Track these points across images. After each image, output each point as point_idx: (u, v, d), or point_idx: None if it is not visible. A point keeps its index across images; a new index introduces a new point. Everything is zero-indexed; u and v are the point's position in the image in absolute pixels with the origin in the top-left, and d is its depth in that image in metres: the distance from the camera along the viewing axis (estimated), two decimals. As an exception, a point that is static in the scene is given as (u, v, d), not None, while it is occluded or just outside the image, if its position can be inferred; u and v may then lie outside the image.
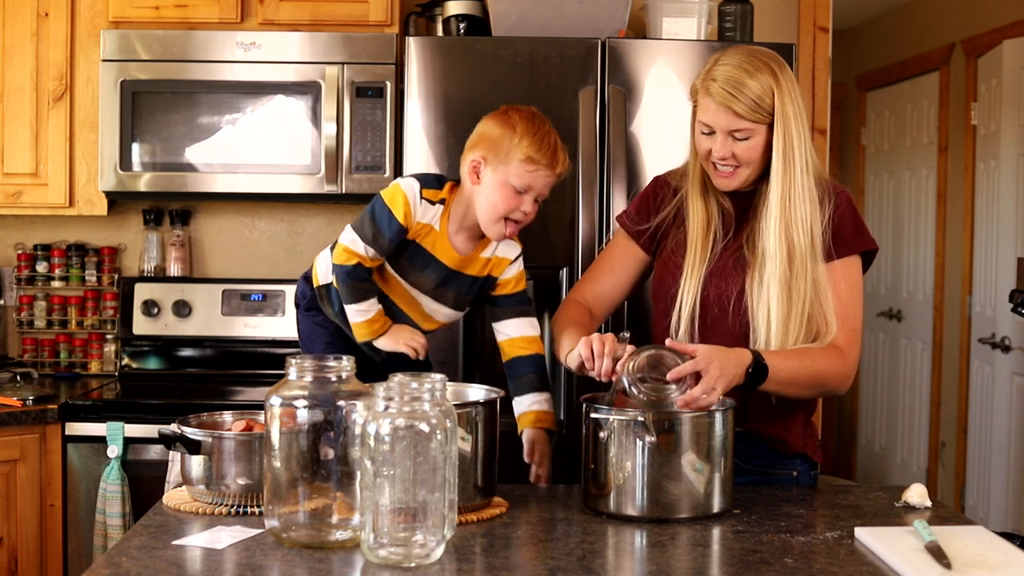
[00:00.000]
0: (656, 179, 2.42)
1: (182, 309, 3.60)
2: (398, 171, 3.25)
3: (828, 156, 3.74)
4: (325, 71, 3.33)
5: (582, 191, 3.01)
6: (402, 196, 2.28)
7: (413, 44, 3.07)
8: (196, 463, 1.95)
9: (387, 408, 1.66)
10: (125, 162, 3.36)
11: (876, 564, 1.70)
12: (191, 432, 1.95)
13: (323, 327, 2.45)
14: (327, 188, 3.33)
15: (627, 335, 2.06)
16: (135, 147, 3.36)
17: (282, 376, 1.80)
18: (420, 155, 3.08)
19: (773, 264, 2.15)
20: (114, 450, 3.03)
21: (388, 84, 3.28)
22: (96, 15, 3.44)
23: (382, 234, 2.28)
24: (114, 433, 3.04)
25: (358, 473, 1.72)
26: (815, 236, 2.16)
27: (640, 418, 1.90)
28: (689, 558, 1.75)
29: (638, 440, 1.90)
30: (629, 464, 1.91)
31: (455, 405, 1.78)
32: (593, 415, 1.95)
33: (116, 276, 3.72)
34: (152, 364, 3.63)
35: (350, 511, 1.75)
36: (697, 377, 1.96)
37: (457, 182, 2.35)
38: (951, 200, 5.24)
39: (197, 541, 1.78)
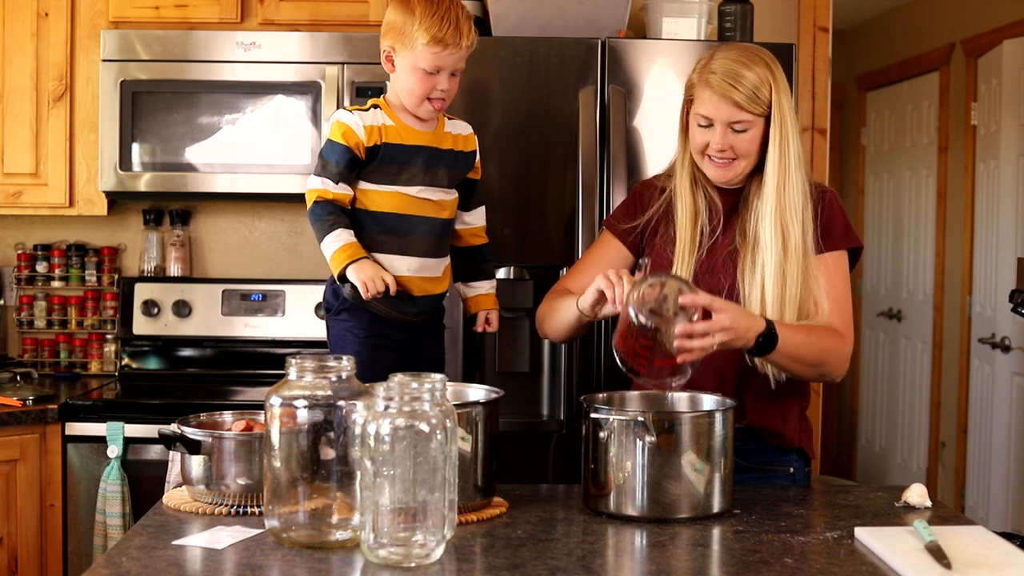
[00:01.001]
0: (642, 182, 2.46)
1: (182, 309, 3.60)
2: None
3: (828, 156, 3.74)
4: (325, 71, 3.33)
5: (582, 191, 3.01)
6: (335, 123, 2.41)
7: (413, 44, 3.06)
8: (196, 463, 1.95)
9: (387, 408, 1.66)
10: (125, 162, 3.36)
11: (876, 564, 1.70)
12: (191, 432, 1.95)
13: (353, 333, 2.46)
14: (327, 188, 3.33)
15: (646, 261, 2.07)
16: (135, 147, 3.36)
17: (282, 376, 1.80)
18: (420, 155, 3.07)
19: (768, 251, 2.18)
20: (114, 450, 3.03)
21: (388, 84, 3.28)
22: (96, 15, 3.44)
23: (329, 161, 2.39)
24: (114, 433, 3.04)
25: (358, 473, 1.71)
26: (806, 225, 2.21)
27: (640, 418, 1.90)
28: (689, 558, 1.75)
29: (638, 440, 1.90)
30: (629, 464, 1.91)
31: (455, 405, 1.78)
32: (593, 415, 1.95)
33: (116, 276, 3.72)
34: (152, 364, 3.63)
35: (350, 511, 1.75)
36: (707, 318, 1.98)
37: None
38: (951, 200, 5.24)
39: (197, 541, 1.78)
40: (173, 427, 1.98)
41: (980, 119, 4.89)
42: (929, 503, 2.05)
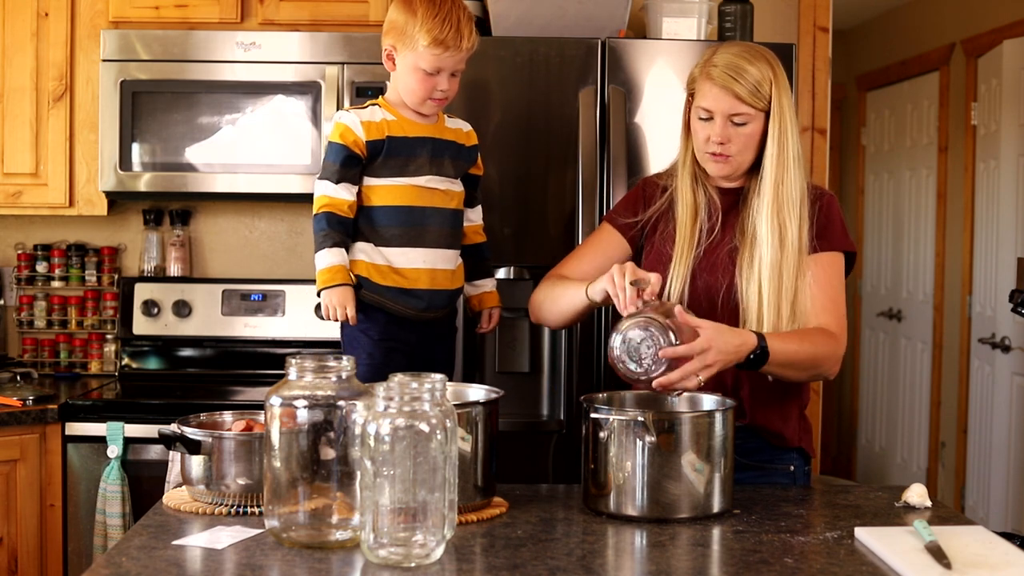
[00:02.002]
0: (645, 179, 2.47)
1: (182, 309, 3.60)
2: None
3: (828, 156, 3.74)
4: (325, 71, 3.33)
5: (582, 191, 3.01)
6: (335, 125, 2.43)
7: (413, 44, 3.06)
8: (196, 463, 1.95)
9: (387, 408, 1.66)
10: (125, 162, 3.36)
11: (876, 564, 1.70)
12: (191, 432, 1.95)
13: (367, 335, 2.47)
14: (327, 188, 3.33)
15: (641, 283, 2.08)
16: (135, 147, 3.36)
17: (282, 376, 1.80)
18: (420, 155, 3.08)
19: (765, 246, 2.20)
20: (114, 450, 3.03)
21: (388, 84, 3.28)
22: (96, 15, 3.44)
23: (328, 161, 2.42)
24: (114, 433, 3.04)
25: (358, 473, 1.71)
26: (803, 223, 2.22)
27: (640, 418, 1.90)
28: (689, 558, 1.75)
29: (638, 440, 1.90)
30: (629, 464, 1.91)
31: (455, 405, 1.78)
32: (593, 415, 1.95)
33: (116, 276, 3.72)
34: (152, 364, 3.63)
35: (350, 511, 1.75)
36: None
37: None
38: (951, 200, 5.24)
39: (197, 541, 1.78)
40: (173, 427, 1.98)
41: (980, 119, 4.88)
42: (929, 503, 2.05)
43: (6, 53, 3.44)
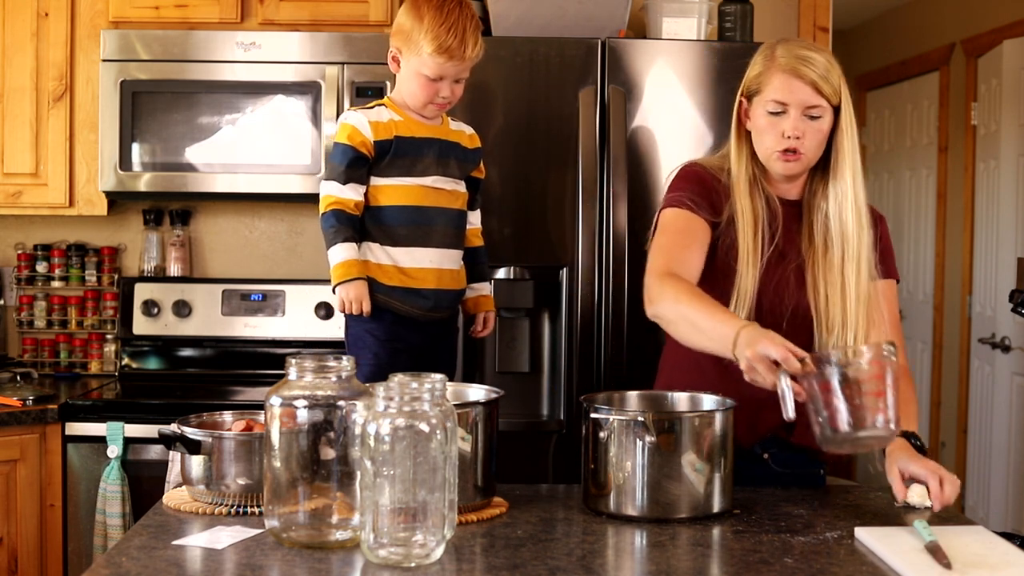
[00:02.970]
0: (702, 168, 2.25)
1: (182, 309, 3.60)
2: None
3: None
4: (325, 71, 3.33)
5: (582, 191, 3.01)
6: (340, 125, 2.45)
7: (413, 44, 3.06)
8: (196, 463, 1.95)
9: (387, 408, 1.66)
10: (125, 162, 3.36)
11: (876, 564, 1.70)
12: (191, 432, 1.95)
13: (372, 335, 2.49)
14: (327, 188, 3.34)
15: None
16: (135, 147, 3.36)
17: (282, 376, 1.80)
18: (420, 155, 3.08)
19: (853, 242, 2.15)
20: (114, 450, 3.03)
21: (388, 84, 3.28)
22: (96, 15, 3.44)
23: (334, 163, 2.43)
24: (114, 433, 3.04)
25: (358, 473, 1.71)
26: (869, 237, 2.17)
27: (640, 418, 1.90)
28: (689, 558, 1.75)
29: (638, 440, 1.90)
30: (629, 464, 1.91)
31: (455, 405, 1.78)
32: (593, 415, 1.95)
33: (116, 276, 3.72)
34: (152, 364, 3.63)
35: (350, 511, 1.75)
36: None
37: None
38: (951, 200, 5.24)
39: (197, 541, 1.77)
40: (173, 427, 1.98)
41: (980, 119, 4.88)
42: (929, 503, 2.05)
43: (6, 53, 3.44)
